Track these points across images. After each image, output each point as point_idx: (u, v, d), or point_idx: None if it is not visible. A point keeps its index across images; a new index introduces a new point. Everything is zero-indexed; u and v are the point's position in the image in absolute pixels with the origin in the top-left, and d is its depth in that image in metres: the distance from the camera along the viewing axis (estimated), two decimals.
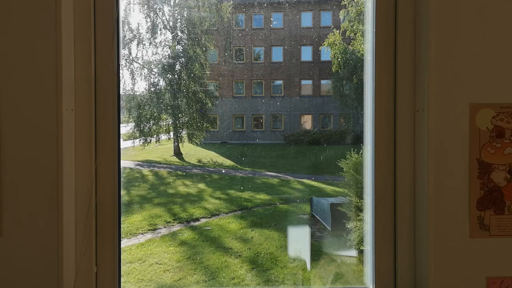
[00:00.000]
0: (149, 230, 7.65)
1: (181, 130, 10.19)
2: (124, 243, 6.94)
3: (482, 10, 1.11)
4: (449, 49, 1.10)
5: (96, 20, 1.16)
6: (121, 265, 1.21)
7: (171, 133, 10.64)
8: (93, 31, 1.15)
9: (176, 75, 8.99)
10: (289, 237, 6.99)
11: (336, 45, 7.03)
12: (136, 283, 5.68)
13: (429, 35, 1.10)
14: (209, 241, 7.07)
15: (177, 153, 11.16)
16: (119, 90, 1.20)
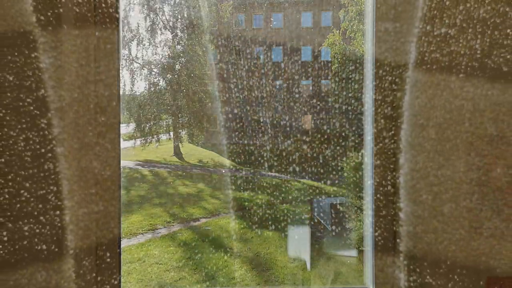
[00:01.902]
0: (149, 230, 7.67)
1: (181, 130, 10.19)
2: (124, 243, 6.94)
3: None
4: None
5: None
6: (121, 265, 1.21)
7: (171, 133, 10.64)
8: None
9: (176, 75, 8.97)
10: (289, 237, 7.00)
11: (336, 45, 7.03)
12: (136, 283, 5.68)
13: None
14: (209, 241, 7.08)
15: (177, 153, 11.17)
16: (119, 90, 1.20)
